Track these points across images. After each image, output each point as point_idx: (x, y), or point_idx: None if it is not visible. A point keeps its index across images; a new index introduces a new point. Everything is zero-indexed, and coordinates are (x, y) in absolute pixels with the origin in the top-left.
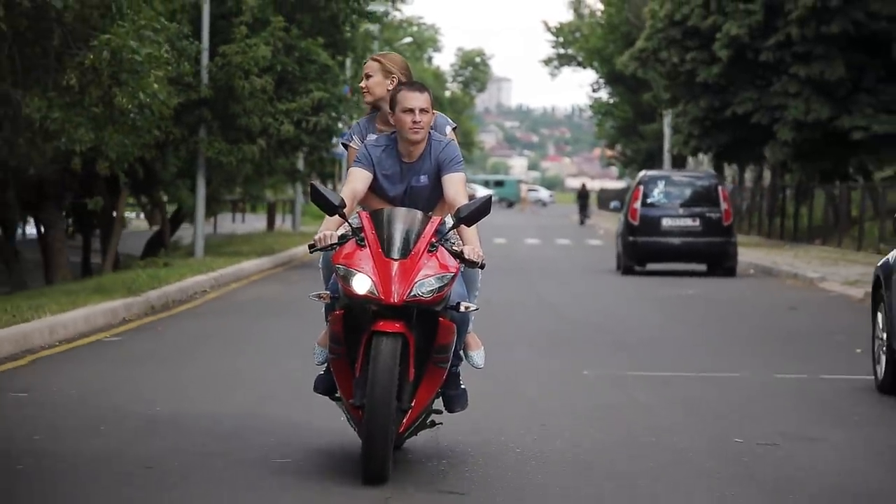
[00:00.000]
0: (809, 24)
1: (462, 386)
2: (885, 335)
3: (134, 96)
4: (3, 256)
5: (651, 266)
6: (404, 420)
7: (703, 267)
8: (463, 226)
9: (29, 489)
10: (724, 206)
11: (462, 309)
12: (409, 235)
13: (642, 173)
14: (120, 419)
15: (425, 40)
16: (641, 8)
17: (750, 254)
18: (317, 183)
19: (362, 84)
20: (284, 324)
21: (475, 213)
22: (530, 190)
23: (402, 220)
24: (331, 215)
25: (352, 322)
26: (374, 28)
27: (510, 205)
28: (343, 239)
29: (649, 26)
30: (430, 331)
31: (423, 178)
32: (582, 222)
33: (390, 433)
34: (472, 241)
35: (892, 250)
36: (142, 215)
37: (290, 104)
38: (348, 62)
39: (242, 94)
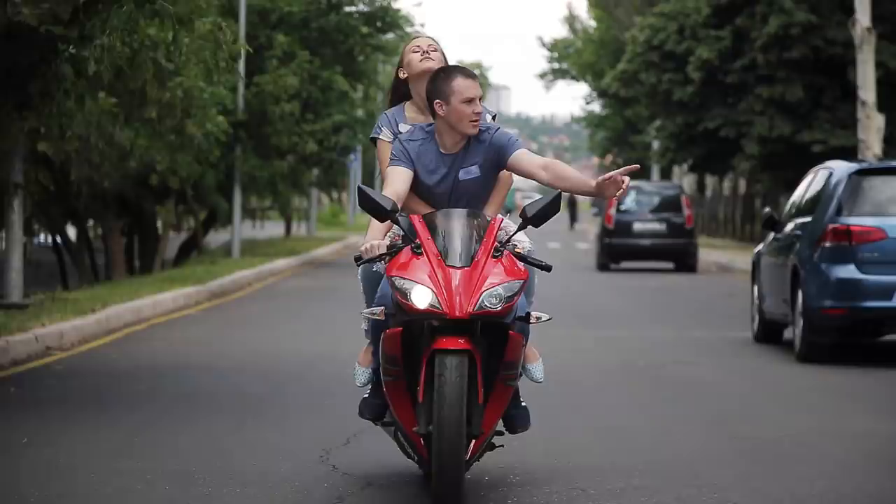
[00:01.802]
0: (773, 49)
1: (523, 403)
2: (757, 301)
3: (202, 125)
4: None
5: (625, 264)
6: (472, 446)
7: (670, 265)
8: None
9: (215, 392)
10: (686, 212)
11: (533, 320)
12: (470, 240)
13: None
14: (249, 357)
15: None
16: (627, 27)
17: (716, 254)
18: (364, 186)
19: (427, 59)
20: (330, 305)
21: (543, 212)
22: (525, 197)
23: (461, 222)
24: (382, 220)
25: (408, 340)
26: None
27: (507, 212)
28: (392, 249)
29: (630, 51)
30: (495, 345)
31: (475, 170)
32: (571, 227)
33: (462, 461)
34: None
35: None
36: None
37: (314, 125)
38: (360, 88)
39: (273, 117)
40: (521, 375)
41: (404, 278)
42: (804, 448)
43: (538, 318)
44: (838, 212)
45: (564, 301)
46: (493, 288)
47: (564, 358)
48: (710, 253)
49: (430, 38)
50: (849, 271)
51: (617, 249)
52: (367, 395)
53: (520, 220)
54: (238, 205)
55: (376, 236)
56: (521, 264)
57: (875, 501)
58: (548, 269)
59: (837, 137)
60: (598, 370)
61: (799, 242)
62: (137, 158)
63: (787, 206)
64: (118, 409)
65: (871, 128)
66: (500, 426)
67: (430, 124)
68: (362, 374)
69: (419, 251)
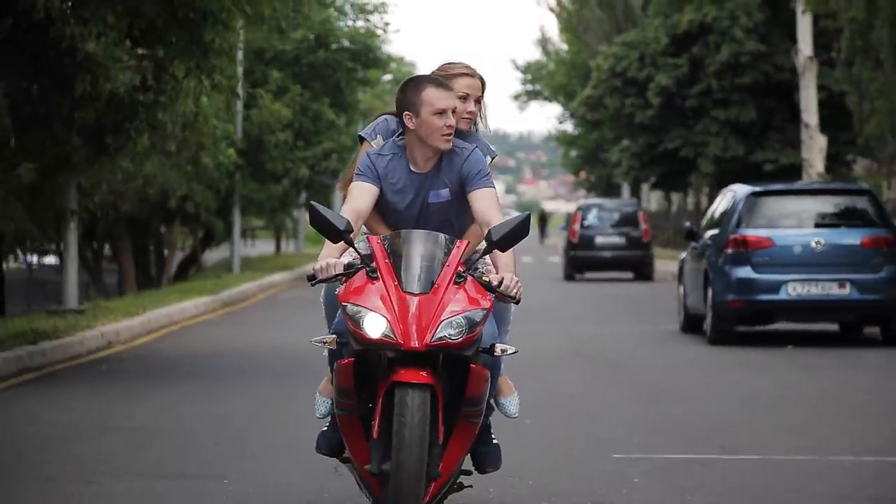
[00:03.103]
0: (726, 76)
1: (495, 441)
2: (682, 299)
3: (214, 157)
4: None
5: (589, 274)
6: (430, 488)
7: (630, 275)
8: (497, 251)
9: (248, 369)
10: (643, 226)
11: (498, 352)
12: (431, 264)
13: (580, 202)
14: (266, 348)
15: (403, 76)
16: (595, 52)
17: (673, 264)
18: (317, 204)
19: (469, 108)
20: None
21: (510, 235)
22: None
23: (422, 244)
24: (335, 241)
25: (363, 371)
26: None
27: None
28: (350, 269)
29: (595, 77)
30: (459, 379)
31: (445, 193)
32: (541, 241)
33: None
34: (507, 268)
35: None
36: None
37: (305, 152)
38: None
39: (269, 145)
40: (492, 411)
41: (357, 305)
42: (702, 400)
43: (503, 351)
44: (738, 225)
45: (532, 306)
46: (454, 316)
47: (529, 345)
48: (669, 263)
49: (474, 73)
50: (746, 272)
51: (581, 261)
52: (325, 429)
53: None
54: (238, 225)
55: (332, 254)
56: (484, 292)
57: (748, 429)
58: (516, 301)
59: (787, 156)
60: (554, 353)
61: (709, 250)
62: (157, 186)
63: (703, 221)
64: (178, 380)
65: (814, 148)
66: (468, 465)
67: (402, 138)
68: (323, 404)
69: (375, 275)
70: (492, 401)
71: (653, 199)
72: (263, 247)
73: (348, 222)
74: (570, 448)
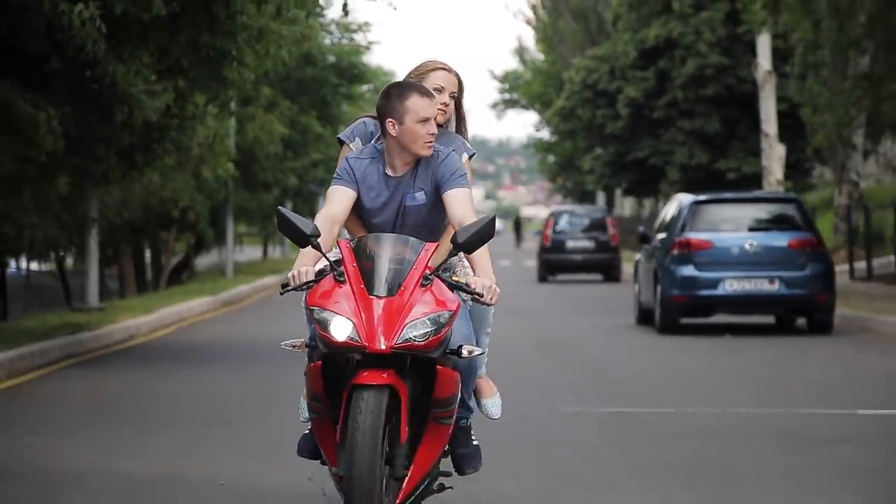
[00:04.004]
0: (691, 88)
1: (475, 442)
2: (637, 295)
3: (214, 171)
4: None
5: (561, 276)
6: (400, 489)
7: (599, 276)
8: (478, 252)
9: (258, 354)
10: (611, 231)
11: (465, 353)
12: (399, 267)
13: (553, 208)
14: (265, 340)
15: (382, 84)
16: (569, 63)
17: None
18: (283, 209)
19: (443, 100)
20: None
21: (475, 237)
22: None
23: (389, 247)
24: (302, 246)
25: (334, 374)
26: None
27: None
28: (321, 275)
29: (567, 89)
30: (430, 381)
31: (420, 196)
32: (518, 245)
33: None
34: (484, 270)
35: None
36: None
37: (294, 163)
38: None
39: (261, 157)
40: (471, 412)
41: (324, 308)
42: (640, 373)
43: (470, 352)
44: (683, 229)
45: (508, 306)
46: (419, 319)
47: (501, 337)
48: None
49: (448, 68)
50: (689, 270)
51: (553, 264)
52: (306, 432)
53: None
54: (231, 232)
55: (306, 262)
56: (454, 293)
57: (670, 391)
58: (488, 304)
59: (749, 164)
60: (521, 341)
61: (658, 251)
62: (159, 196)
63: (655, 226)
64: (196, 363)
65: (773, 156)
66: (449, 467)
67: (382, 142)
68: (306, 408)
69: (342, 279)
70: (472, 402)
71: (626, 205)
72: (250, 252)
73: (315, 227)
74: (524, 406)
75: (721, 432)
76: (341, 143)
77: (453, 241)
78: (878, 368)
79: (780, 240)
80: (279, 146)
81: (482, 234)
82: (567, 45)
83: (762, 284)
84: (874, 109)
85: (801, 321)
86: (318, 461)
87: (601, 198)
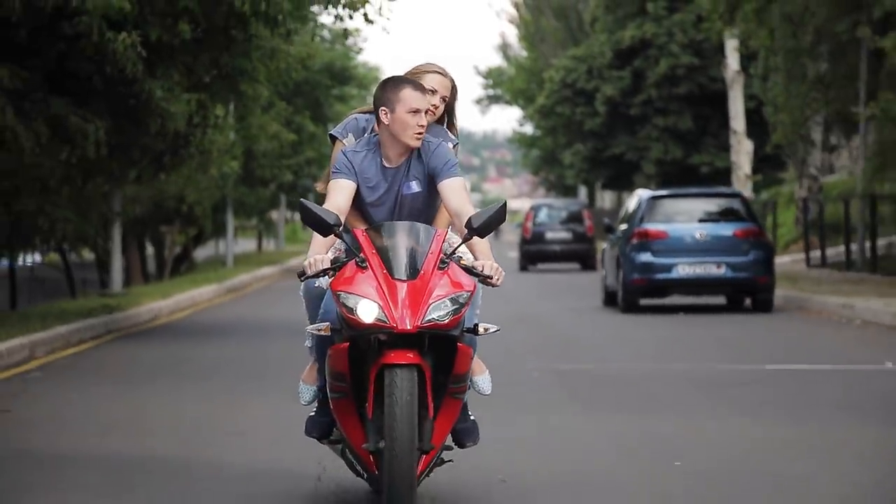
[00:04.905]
0: (665, 86)
1: (472, 417)
2: (603, 280)
3: (220, 169)
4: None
5: (541, 266)
6: (422, 462)
7: (577, 265)
8: (476, 238)
9: (270, 328)
10: (587, 223)
11: (481, 331)
12: (415, 252)
13: (533, 202)
14: (283, 323)
15: (369, 81)
16: (550, 61)
17: None
18: (307, 201)
19: (434, 101)
20: None
21: (489, 222)
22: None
23: (405, 234)
24: (325, 235)
25: (355, 355)
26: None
27: None
28: (336, 263)
29: (547, 88)
30: (443, 358)
31: (414, 185)
32: (496, 237)
33: (415, 479)
34: (485, 255)
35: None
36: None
37: (289, 160)
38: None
39: (259, 155)
40: (467, 389)
41: (349, 293)
42: (597, 342)
43: (486, 329)
44: (641, 221)
45: (491, 290)
46: (441, 300)
47: (485, 315)
48: None
49: (442, 72)
50: (647, 257)
51: (533, 254)
52: (313, 414)
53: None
54: (231, 225)
55: (319, 251)
56: (467, 275)
57: (620, 352)
58: (495, 284)
59: (721, 159)
60: (501, 318)
61: (621, 240)
62: (167, 193)
63: (619, 218)
64: (219, 337)
65: (742, 151)
66: (448, 441)
67: (376, 135)
68: (307, 391)
69: (364, 265)
70: (467, 380)
71: (606, 198)
72: (244, 244)
73: (337, 216)
74: (499, 363)
75: (649, 380)
76: (333, 139)
77: (468, 225)
78: (796, 336)
79: (727, 230)
80: (276, 144)
81: (494, 219)
82: (549, 43)
83: (711, 269)
84: (827, 110)
85: (748, 301)
86: (327, 442)
87: (583, 191)
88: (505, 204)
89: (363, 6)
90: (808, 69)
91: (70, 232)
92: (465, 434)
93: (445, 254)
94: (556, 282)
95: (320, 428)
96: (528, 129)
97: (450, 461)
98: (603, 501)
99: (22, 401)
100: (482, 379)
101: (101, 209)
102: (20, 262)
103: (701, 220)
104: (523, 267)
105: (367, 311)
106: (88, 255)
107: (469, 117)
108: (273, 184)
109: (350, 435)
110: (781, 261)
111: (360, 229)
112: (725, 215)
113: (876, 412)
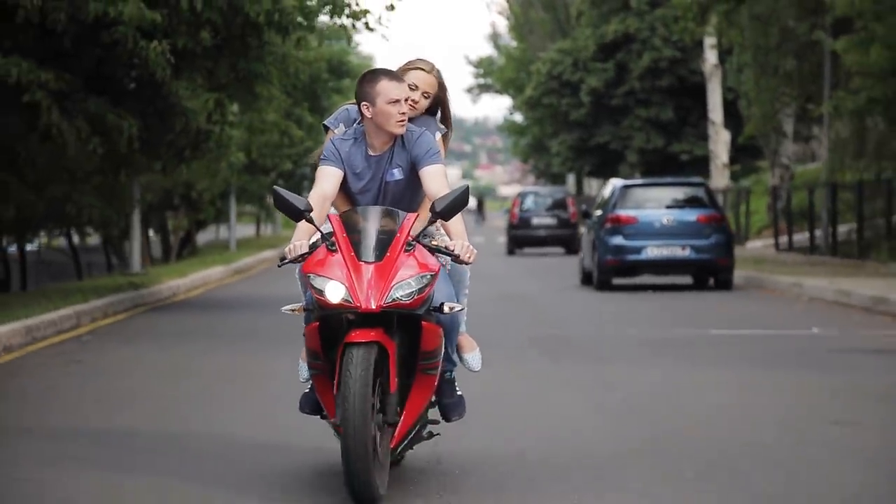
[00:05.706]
0: (647, 79)
1: (458, 392)
2: (580, 261)
3: (228, 160)
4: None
5: (528, 250)
6: (395, 434)
7: (561, 250)
8: (453, 219)
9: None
10: (571, 209)
11: (446, 310)
12: (385, 235)
13: (520, 189)
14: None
15: (361, 71)
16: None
17: None
18: (279, 188)
19: (414, 97)
20: None
21: (452, 205)
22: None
23: (375, 218)
24: (296, 220)
25: (330, 334)
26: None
27: None
28: (314, 247)
29: (535, 79)
30: (416, 337)
31: (398, 173)
32: (479, 222)
33: (369, 451)
34: (459, 235)
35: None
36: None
37: (289, 150)
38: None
39: (261, 145)
40: (454, 366)
41: (319, 275)
42: (572, 314)
43: (451, 308)
44: (614, 207)
45: (479, 272)
46: (404, 280)
47: (472, 294)
48: None
49: (427, 69)
50: (619, 240)
51: (519, 239)
52: (307, 391)
53: None
54: (234, 211)
55: (301, 238)
56: (434, 257)
57: (594, 323)
58: (466, 263)
59: (700, 148)
60: (487, 296)
61: (596, 225)
62: (181, 182)
63: (595, 204)
64: (236, 310)
65: (719, 141)
66: (436, 416)
67: (362, 124)
68: (304, 369)
69: (333, 248)
70: (455, 357)
71: (593, 185)
72: (242, 230)
73: (308, 202)
74: (484, 330)
75: (608, 340)
76: (326, 129)
77: (432, 209)
78: (746, 309)
79: (691, 216)
80: (276, 134)
81: (458, 202)
82: (537, 35)
83: (676, 251)
84: (797, 104)
85: (712, 281)
86: (319, 416)
87: (571, 178)
88: (468, 188)
89: (365, 16)
90: (778, 65)
91: (95, 217)
92: (451, 408)
93: (412, 236)
94: (541, 264)
95: (313, 405)
96: (518, 117)
97: (437, 434)
98: (560, 421)
99: (89, 353)
100: (472, 356)
101: (124, 197)
102: (28, 246)
103: (668, 207)
104: (510, 251)
105: (334, 291)
106: (92, 239)
107: (460, 105)
108: (273, 172)
109: (328, 409)
110: (753, 245)
111: (334, 214)
112: (690, 202)
113: (788, 364)
